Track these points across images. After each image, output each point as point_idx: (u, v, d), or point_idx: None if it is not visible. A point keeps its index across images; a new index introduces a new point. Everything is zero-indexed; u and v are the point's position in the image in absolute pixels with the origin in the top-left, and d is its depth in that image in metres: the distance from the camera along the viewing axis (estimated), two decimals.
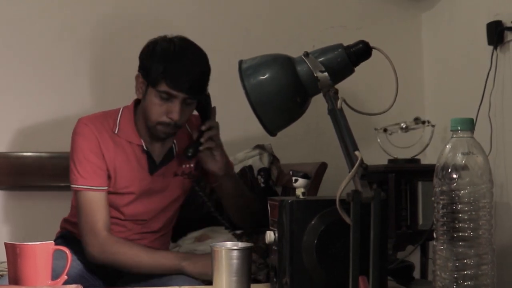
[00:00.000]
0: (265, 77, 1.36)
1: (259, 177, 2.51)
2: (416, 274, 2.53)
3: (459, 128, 1.25)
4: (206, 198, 2.07)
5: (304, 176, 1.41)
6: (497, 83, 2.31)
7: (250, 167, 2.50)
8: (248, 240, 2.23)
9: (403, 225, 2.39)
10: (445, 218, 1.23)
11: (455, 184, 1.22)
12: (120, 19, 2.73)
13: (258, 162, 2.53)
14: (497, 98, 2.32)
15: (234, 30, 2.84)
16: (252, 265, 1.58)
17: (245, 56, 1.43)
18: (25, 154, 2.64)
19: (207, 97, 2.04)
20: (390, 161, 2.60)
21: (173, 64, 1.87)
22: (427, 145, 2.61)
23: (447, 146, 1.25)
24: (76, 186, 1.93)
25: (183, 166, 2.05)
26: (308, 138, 2.86)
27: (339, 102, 1.30)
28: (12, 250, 1.40)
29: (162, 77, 1.87)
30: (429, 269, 2.60)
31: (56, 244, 1.47)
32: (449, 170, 1.23)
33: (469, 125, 1.25)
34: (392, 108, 1.37)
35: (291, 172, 1.45)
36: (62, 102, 2.67)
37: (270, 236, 1.40)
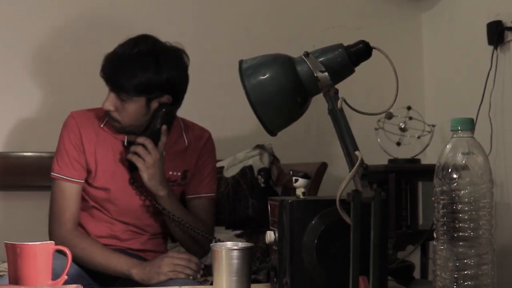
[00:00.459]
0: (265, 77, 1.36)
1: (259, 177, 2.51)
2: (416, 274, 2.53)
3: (459, 128, 1.25)
4: (171, 214, 1.98)
5: (304, 176, 1.41)
6: (497, 83, 2.31)
7: (250, 167, 2.50)
8: (248, 240, 2.23)
9: (403, 225, 2.39)
10: (445, 218, 1.23)
11: (455, 184, 1.22)
12: (120, 18, 2.73)
13: (258, 162, 2.53)
14: (497, 98, 2.32)
15: (234, 30, 2.84)
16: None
17: (245, 56, 1.43)
18: (25, 154, 2.64)
19: (161, 110, 1.95)
20: (390, 161, 2.61)
21: (110, 56, 1.94)
22: (427, 145, 2.62)
23: (447, 146, 1.25)
24: (52, 174, 1.99)
25: (170, 172, 2.02)
26: (308, 138, 2.86)
27: (339, 102, 1.30)
28: (12, 250, 1.40)
29: (102, 68, 1.95)
30: (429, 269, 2.61)
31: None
32: (449, 170, 1.23)
33: (469, 125, 1.25)
34: (392, 108, 1.37)
35: (291, 172, 1.45)
36: (62, 102, 2.67)
37: (270, 236, 1.40)
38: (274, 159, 2.57)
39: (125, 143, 1.99)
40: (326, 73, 1.34)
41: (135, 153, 1.92)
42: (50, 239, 1.85)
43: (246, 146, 2.59)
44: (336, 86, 1.35)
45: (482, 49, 2.39)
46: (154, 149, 1.92)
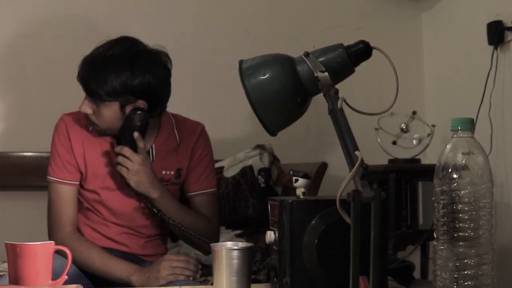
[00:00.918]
0: (265, 77, 1.36)
1: (259, 177, 2.51)
2: (417, 274, 2.53)
3: (459, 128, 1.25)
4: (162, 215, 1.97)
5: (305, 176, 1.41)
6: (498, 83, 2.31)
7: (250, 167, 2.50)
8: (249, 240, 2.23)
9: (404, 225, 2.39)
10: (445, 218, 1.23)
11: (456, 184, 1.22)
12: (120, 18, 2.73)
13: (258, 162, 2.53)
14: (497, 98, 2.32)
15: (234, 30, 2.84)
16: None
17: (245, 56, 1.43)
18: (25, 154, 2.64)
19: (132, 115, 1.90)
20: (390, 161, 2.61)
21: (85, 60, 1.93)
22: (427, 145, 2.62)
23: (448, 146, 1.25)
24: (47, 177, 1.99)
25: (163, 172, 2.01)
26: (308, 138, 2.86)
27: (339, 102, 1.30)
28: (12, 250, 1.40)
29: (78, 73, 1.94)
30: (429, 269, 2.60)
31: None
32: (450, 170, 1.23)
33: (470, 125, 1.25)
34: (392, 108, 1.37)
35: (291, 172, 1.45)
36: (62, 102, 2.66)
37: (270, 236, 1.40)
38: (274, 159, 2.58)
39: (114, 144, 1.98)
40: (326, 73, 1.34)
41: (118, 163, 1.91)
42: None
43: (246, 146, 2.60)
44: (336, 86, 1.35)
45: (482, 49, 2.39)
46: (133, 155, 1.89)
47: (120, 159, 1.90)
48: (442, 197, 1.24)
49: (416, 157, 2.60)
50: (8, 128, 2.66)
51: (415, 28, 2.98)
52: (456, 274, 1.21)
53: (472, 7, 2.55)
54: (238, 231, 2.35)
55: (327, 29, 2.89)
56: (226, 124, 2.74)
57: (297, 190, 1.40)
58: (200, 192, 2.05)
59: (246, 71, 1.37)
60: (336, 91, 1.34)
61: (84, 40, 2.72)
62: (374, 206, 1.13)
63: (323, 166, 2.41)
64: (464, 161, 1.22)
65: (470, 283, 1.20)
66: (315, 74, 1.34)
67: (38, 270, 1.40)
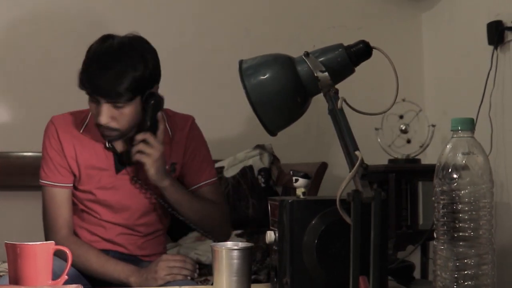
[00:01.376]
0: (265, 77, 1.36)
1: (259, 177, 2.51)
2: (417, 274, 2.52)
3: (459, 128, 1.25)
4: (171, 208, 1.98)
5: (305, 176, 1.41)
6: (498, 83, 2.31)
7: (250, 167, 2.50)
8: (249, 240, 2.23)
9: (404, 225, 2.39)
10: (445, 218, 1.23)
11: (456, 184, 1.22)
12: (119, 19, 2.73)
13: (258, 162, 2.53)
14: (497, 98, 2.32)
15: (234, 30, 2.84)
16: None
17: (245, 56, 1.43)
18: (25, 154, 2.64)
19: (150, 101, 1.91)
20: (390, 161, 2.61)
21: (87, 68, 1.86)
22: (427, 145, 2.62)
23: (448, 146, 1.25)
24: (40, 181, 1.99)
25: None
26: (308, 138, 2.86)
27: (339, 102, 1.30)
28: (12, 250, 1.40)
29: (82, 82, 1.86)
30: (429, 269, 2.60)
31: None
32: (450, 170, 1.23)
33: (470, 125, 1.25)
34: (392, 108, 1.37)
35: (291, 172, 1.45)
36: (62, 102, 2.67)
37: (270, 236, 1.40)
38: (274, 159, 2.57)
39: (107, 145, 1.97)
40: (326, 73, 1.34)
41: (138, 152, 1.89)
42: None
43: (246, 146, 2.59)
44: (336, 86, 1.35)
45: (482, 49, 2.39)
46: (156, 143, 1.89)
47: (143, 146, 1.89)
48: (442, 197, 1.24)
49: (416, 157, 2.60)
50: (8, 128, 2.66)
51: (415, 28, 2.98)
52: (456, 274, 1.21)
53: (472, 7, 2.55)
54: (238, 231, 2.35)
55: (327, 29, 2.89)
56: (226, 124, 2.74)
57: (297, 190, 1.40)
58: (203, 183, 2.05)
59: (246, 71, 1.37)
60: (336, 91, 1.34)
61: (84, 40, 2.72)
62: (374, 206, 1.13)
63: (323, 166, 2.41)
64: (464, 161, 1.22)
65: (470, 283, 1.20)
66: (315, 74, 1.34)
67: (38, 270, 1.40)
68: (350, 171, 1.18)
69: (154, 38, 1.97)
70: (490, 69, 2.31)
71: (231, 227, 2.16)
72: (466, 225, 1.21)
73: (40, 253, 1.41)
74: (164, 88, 1.97)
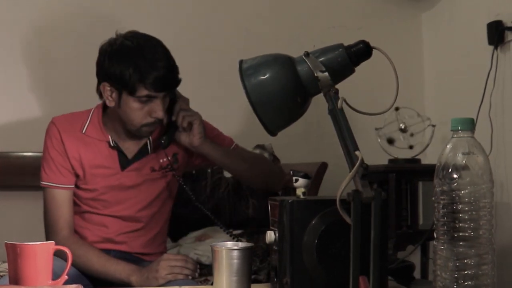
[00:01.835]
0: (265, 77, 1.36)
1: None
2: (417, 274, 2.52)
3: (459, 128, 1.25)
4: (198, 202, 2.02)
5: (305, 176, 1.41)
6: (498, 83, 2.31)
7: None
8: (249, 240, 2.23)
9: (404, 225, 2.39)
10: (445, 218, 1.23)
11: (456, 184, 1.22)
12: (119, 19, 2.73)
13: None
14: (497, 98, 2.32)
15: (234, 30, 2.84)
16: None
17: (246, 56, 1.43)
18: (25, 154, 2.64)
19: None
20: (390, 161, 2.61)
21: (147, 68, 1.85)
22: (427, 145, 2.62)
23: (448, 146, 1.25)
24: (41, 183, 2.00)
25: (161, 160, 2.03)
26: (308, 138, 2.86)
27: (339, 102, 1.30)
28: (12, 250, 1.40)
29: (140, 84, 1.85)
30: (429, 269, 2.60)
31: None
32: (450, 170, 1.23)
33: (470, 125, 1.25)
34: (392, 108, 1.37)
35: (291, 172, 1.45)
36: (62, 102, 2.67)
37: (270, 236, 1.40)
38: (274, 159, 2.57)
39: (111, 143, 1.98)
40: (326, 73, 1.34)
41: (185, 117, 1.95)
42: None
43: (246, 146, 2.59)
44: (336, 86, 1.35)
45: (482, 49, 2.39)
46: (189, 107, 1.99)
47: (185, 112, 1.95)
48: (442, 197, 1.24)
49: (416, 157, 2.60)
50: (8, 128, 2.66)
51: (415, 28, 2.98)
52: (456, 274, 1.21)
53: (472, 7, 2.55)
54: (238, 231, 2.35)
55: (327, 29, 2.89)
56: (226, 124, 2.73)
57: (297, 190, 1.40)
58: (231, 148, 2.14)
59: (246, 71, 1.37)
60: (336, 91, 1.34)
61: (84, 40, 2.73)
62: (374, 206, 1.13)
63: (323, 166, 2.41)
64: (464, 161, 1.22)
65: (470, 283, 1.20)
66: (315, 74, 1.34)
67: (38, 270, 1.41)
68: (350, 171, 1.18)
69: None
70: (490, 69, 2.31)
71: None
72: (466, 225, 1.21)
73: (40, 253, 1.41)
74: None
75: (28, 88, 2.67)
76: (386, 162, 2.60)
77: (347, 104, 1.32)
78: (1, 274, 2.01)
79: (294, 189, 1.42)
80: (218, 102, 2.80)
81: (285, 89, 1.35)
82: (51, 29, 2.71)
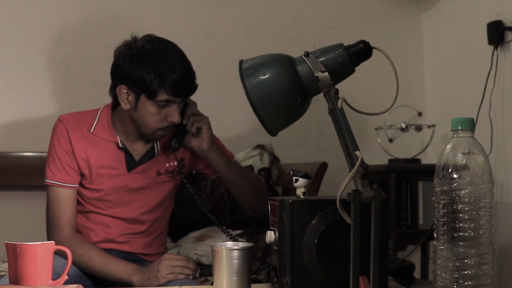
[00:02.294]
0: (265, 77, 1.36)
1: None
2: (417, 274, 2.53)
3: (459, 128, 1.25)
4: (200, 199, 2.05)
5: (305, 176, 1.41)
6: (498, 83, 2.31)
7: (250, 167, 2.49)
8: (249, 240, 2.23)
9: (404, 225, 2.39)
10: (445, 218, 1.23)
11: (456, 184, 1.22)
12: (119, 19, 2.73)
13: (258, 162, 2.53)
14: (497, 98, 2.32)
15: (235, 30, 2.84)
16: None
17: (246, 56, 1.43)
18: (25, 154, 2.64)
19: None
20: (390, 161, 2.61)
21: (168, 73, 1.87)
22: (427, 145, 2.62)
23: (448, 146, 1.25)
24: (46, 180, 1.99)
25: (167, 164, 2.04)
26: (308, 138, 2.86)
27: (339, 102, 1.30)
28: (12, 250, 1.40)
29: (161, 88, 1.87)
30: (429, 269, 2.60)
31: None
32: (450, 170, 1.23)
33: (470, 125, 1.25)
34: (392, 108, 1.37)
35: (291, 172, 1.45)
36: (62, 102, 2.67)
37: (270, 236, 1.40)
38: (274, 159, 2.57)
39: (120, 144, 1.99)
40: (326, 73, 1.34)
41: (194, 122, 1.98)
42: None
43: (246, 146, 2.59)
44: (336, 86, 1.35)
45: (482, 49, 2.39)
46: (199, 111, 2.02)
47: (195, 117, 1.98)
48: (442, 197, 1.24)
49: (416, 157, 2.60)
50: (8, 128, 2.66)
51: (415, 28, 2.98)
52: (456, 274, 1.21)
53: (472, 7, 2.55)
54: (238, 231, 2.35)
55: (327, 29, 2.89)
56: (226, 124, 2.74)
57: (297, 190, 1.41)
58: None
59: (246, 71, 1.37)
60: (337, 91, 1.34)
61: (83, 40, 2.73)
62: (374, 206, 1.13)
63: (323, 166, 2.41)
64: (464, 161, 1.22)
65: (470, 283, 1.21)
66: (316, 74, 1.34)
67: (38, 270, 1.41)
68: (350, 171, 1.18)
69: None
70: (490, 69, 2.31)
71: None
72: (466, 225, 1.22)
73: (40, 253, 1.41)
74: None
75: (28, 88, 2.67)
76: (386, 162, 2.60)
77: (347, 104, 1.32)
78: (1, 274, 2.01)
79: (294, 189, 1.42)
80: (218, 102, 2.80)
81: (285, 89, 1.35)
82: (51, 29, 2.71)
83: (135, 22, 2.69)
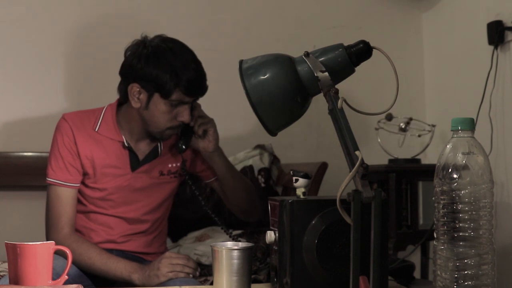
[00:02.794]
0: (265, 77, 1.36)
1: (259, 177, 2.51)
2: (417, 274, 2.53)
3: (459, 128, 1.25)
4: (203, 200, 2.06)
5: (305, 176, 1.41)
6: (498, 83, 2.31)
7: (250, 167, 2.50)
8: (249, 240, 2.23)
9: (404, 225, 2.39)
10: (445, 218, 1.23)
11: (456, 184, 1.22)
12: (118, 19, 2.73)
13: (258, 162, 2.53)
14: (497, 98, 2.32)
15: (234, 30, 2.84)
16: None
17: (246, 56, 1.43)
18: (25, 154, 2.64)
19: None
20: (390, 161, 2.61)
21: (183, 73, 1.89)
22: (427, 145, 2.62)
23: (448, 146, 1.25)
24: (47, 179, 1.98)
25: (169, 165, 2.04)
26: (308, 138, 2.86)
27: (339, 102, 1.30)
28: (12, 250, 1.40)
29: (175, 88, 1.89)
30: (429, 269, 2.60)
31: None
32: (450, 170, 1.23)
33: (470, 125, 1.25)
34: (392, 108, 1.37)
35: (291, 172, 1.45)
36: (62, 102, 2.67)
37: (270, 236, 1.40)
38: (274, 159, 2.57)
39: (125, 143, 1.99)
40: (326, 73, 1.34)
41: (201, 124, 1.99)
42: None
43: (246, 146, 2.59)
44: (336, 86, 1.35)
45: (482, 49, 2.39)
46: (205, 114, 2.04)
47: (202, 119, 2.00)
48: (442, 197, 1.24)
49: (416, 157, 2.60)
50: (8, 128, 2.66)
51: (415, 28, 2.98)
52: (456, 274, 1.21)
53: (472, 7, 2.55)
54: (238, 231, 2.35)
55: (327, 29, 2.89)
56: (226, 124, 2.73)
57: (297, 190, 1.41)
58: None
59: (246, 71, 1.37)
60: (337, 91, 1.34)
61: (83, 41, 2.73)
62: (375, 206, 1.13)
63: (323, 166, 2.41)
64: (464, 161, 1.22)
65: (470, 283, 1.21)
66: (316, 74, 1.34)
67: (38, 270, 1.40)
68: (350, 171, 1.18)
69: None
70: (490, 69, 2.31)
71: None
72: (466, 225, 1.21)
73: (40, 253, 1.41)
74: None
75: (28, 89, 2.67)
76: (386, 162, 2.60)
77: (347, 104, 1.32)
78: (1, 274, 2.01)
79: (294, 189, 1.42)
80: (218, 102, 2.79)
81: (285, 89, 1.35)
82: (51, 29, 2.71)
83: (136, 22, 2.69)
